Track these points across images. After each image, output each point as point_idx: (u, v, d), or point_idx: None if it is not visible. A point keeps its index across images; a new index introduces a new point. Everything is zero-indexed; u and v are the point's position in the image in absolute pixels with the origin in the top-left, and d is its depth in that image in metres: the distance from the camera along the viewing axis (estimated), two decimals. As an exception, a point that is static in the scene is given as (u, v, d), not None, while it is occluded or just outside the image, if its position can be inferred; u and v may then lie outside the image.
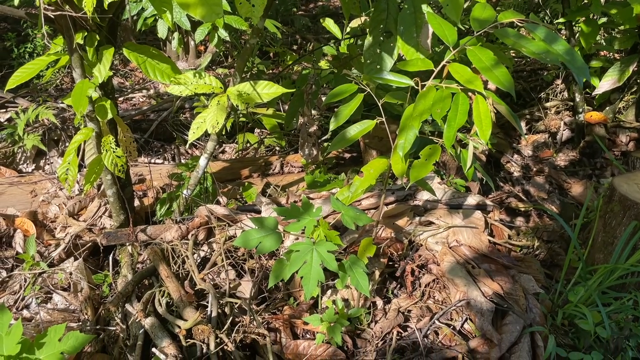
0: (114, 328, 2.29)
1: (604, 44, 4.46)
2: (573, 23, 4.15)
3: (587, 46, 3.75)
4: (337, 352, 2.06)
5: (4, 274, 2.72)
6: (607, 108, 4.23)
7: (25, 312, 2.50)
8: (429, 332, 2.15)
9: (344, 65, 3.59)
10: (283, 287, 2.39)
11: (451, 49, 1.79)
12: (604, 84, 3.77)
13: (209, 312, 2.14)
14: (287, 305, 2.31)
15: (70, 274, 2.61)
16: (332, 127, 2.06)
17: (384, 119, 1.99)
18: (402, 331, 2.18)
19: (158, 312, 2.22)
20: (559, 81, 4.89)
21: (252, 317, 2.14)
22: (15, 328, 1.67)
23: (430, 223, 2.69)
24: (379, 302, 2.31)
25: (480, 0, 1.85)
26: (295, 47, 6.80)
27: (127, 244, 2.70)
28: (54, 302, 2.56)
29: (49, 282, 2.63)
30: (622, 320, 2.26)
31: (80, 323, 2.38)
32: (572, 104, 4.36)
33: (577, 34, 4.13)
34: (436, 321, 2.18)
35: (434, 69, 1.82)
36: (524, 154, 4.22)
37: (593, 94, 4.03)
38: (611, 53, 4.74)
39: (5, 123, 4.37)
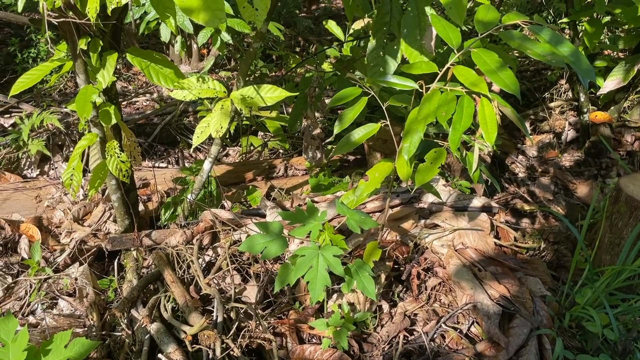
0: (120, 333, 2.28)
1: (608, 43, 4.44)
2: (577, 23, 4.13)
3: (591, 46, 3.73)
4: (343, 357, 2.05)
5: (10, 279, 2.72)
6: (612, 108, 4.21)
7: (31, 318, 2.50)
8: (435, 335, 2.14)
9: (348, 67, 3.58)
10: (289, 292, 2.38)
11: (455, 51, 1.78)
12: (609, 84, 3.75)
13: (214, 317, 2.13)
14: (292, 309, 2.31)
15: (76, 279, 2.61)
16: (336, 130, 2.05)
17: (388, 122, 1.99)
18: (408, 335, 2.17)
19: (164, 318, 2.22)
20: (563, 81, 4.87)
21: (257, 322, 2.14)
22: (21, 335, 1.67)
23: (436, 226, 2.68)
24: (385, 306, 2.30)
25: (484, 1, 1.84)
26: (298, 50, 6.80)
27: (132, 248, 2.69)
28: (60, 307, 2.56)
29: (55, 287, 2.63)
30: (630, 322, 2.24)
31: (86, 328, 2.37)
32: (576, 103, 4.34)
33: (581, 34, 4.11)
34: (443, 325, 2.17)
35: (438, 71, 1.81)
36: (528, 154, 4.20)
37: (598, 93, 4.01)
38: (615, 52, 4.72)
39: (10, 128, 4.38)
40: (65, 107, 4.67)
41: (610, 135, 4.05)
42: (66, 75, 5.60)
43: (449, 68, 1.78)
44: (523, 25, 1.71)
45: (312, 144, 3.57)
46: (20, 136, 4.04)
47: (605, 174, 3.86)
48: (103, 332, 2.33)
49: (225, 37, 4.02)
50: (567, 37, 4.18)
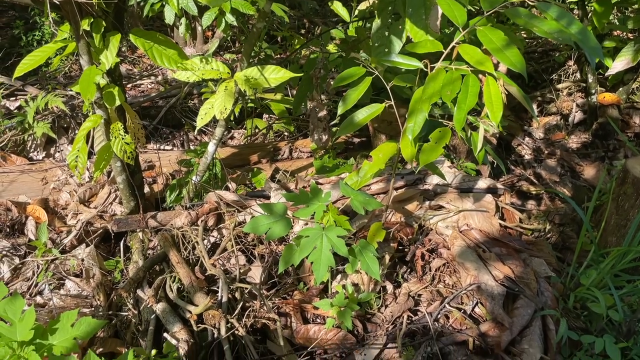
0: (126, 313, 2.31)
1: (618, 23, 4.37)
2: (586, 2, 4.07)
3: (600, 26, 3.68)
4: (347, 336, 2.06)
5: (17, 260, 2.75)
6: (621, 89, 4.16)
7: (38, 298, 2.53)
8: (439, 316, 2.15)
9: (353, 48, 3.55)
10: (293, 272, 2.39)
11: (461, 29, 1.75)
12: (617, 65, 3.70)
13: (219, 298, 2.15)
14: (297, 290, 2.32)
15: (82, 260, 2.63)
16: (340, 111, 2.04)
17: (392, 103, 1.97)
18: (412, 315, 2.18)
19: (169, 298, 2.24)
20: (571, 62, 4.81)
21: (262, 302, 2.15)
22: (28, 314, 1.68)
23: (441, 207, 2.67)
24: (389, 287, 2.31)
25: (490, -21, 1.80)
26: (302, 31, 6.74)
27: (137, 230, 2.71)
28: (67, 288, 2.58)
29: (61, 268, 2.65)
30: (634, 303, 2.24)
31: (93, 309, 2.40)
32: (584, 85, 4.30)
33: (590, 14, 4.05)
34: (447, 305, 2.17)
35: (444, 50, 1.79)
36: (535, 136, 4.17)
37: (606, 74, 3.97)
38: (624, 33, 4.65)
39: (15, 111, 4.39)
40: (70, 90, 4.67)
41: (618, 116, 4.01)
42: (71, 58, 5.59)
43: (454, 47, 1.76)
44: (530, 3, 1.68)
45: (318, 127, 3.56)
46: (26, 119, 4.05)
47: (612, 155, 3.83)
48: (110, 312, 2.35)
49: (230, 18, 3.98)
50: (575, 17, 4.12)
